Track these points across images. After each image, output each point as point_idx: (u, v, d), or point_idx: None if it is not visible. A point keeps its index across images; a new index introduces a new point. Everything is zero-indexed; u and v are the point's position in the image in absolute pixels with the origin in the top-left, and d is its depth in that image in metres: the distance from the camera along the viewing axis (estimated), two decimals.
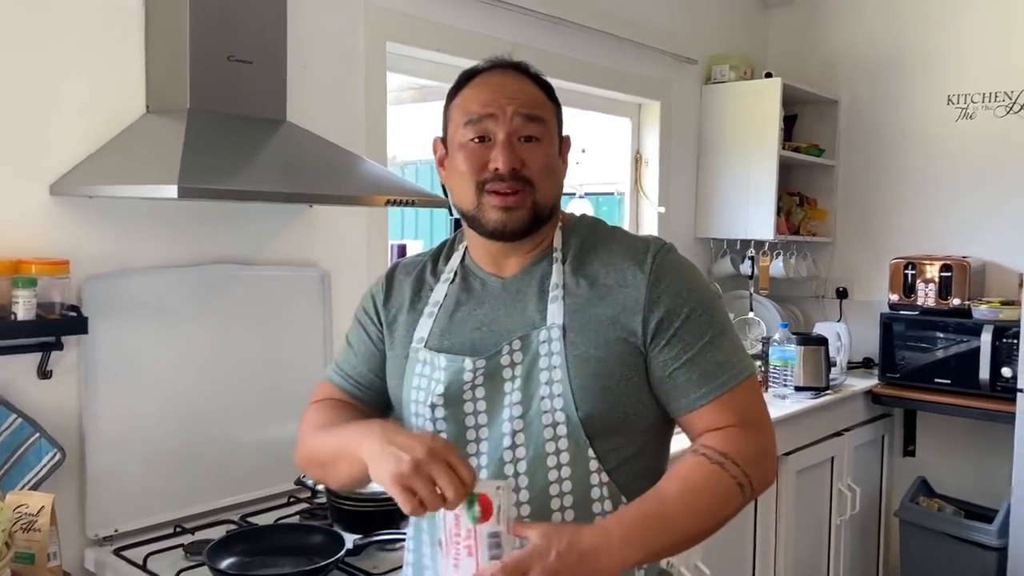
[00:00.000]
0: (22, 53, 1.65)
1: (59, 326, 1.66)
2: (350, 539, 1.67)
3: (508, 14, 2.60)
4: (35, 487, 1.63)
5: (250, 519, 1.90)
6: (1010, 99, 3.33)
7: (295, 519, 1.90)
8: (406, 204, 1.77)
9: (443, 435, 1.16)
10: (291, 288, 2.10)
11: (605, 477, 1.13)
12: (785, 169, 3.57)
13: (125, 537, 1.77)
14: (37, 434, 1.65)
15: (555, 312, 1.15)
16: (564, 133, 1.25)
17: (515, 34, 2.63)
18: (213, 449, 1.94)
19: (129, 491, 1.79)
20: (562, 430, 1.12)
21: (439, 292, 1.26)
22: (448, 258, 1.30)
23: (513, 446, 1.13)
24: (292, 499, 2.00)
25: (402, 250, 2.44)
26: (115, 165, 1.67)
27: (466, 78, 1.20)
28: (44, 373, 1.68)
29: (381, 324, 1.30)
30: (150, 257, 1.85)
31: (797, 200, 3.74)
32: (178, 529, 1.82)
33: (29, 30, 1.65)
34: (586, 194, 3.16)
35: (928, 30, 3.51)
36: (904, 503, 3.26)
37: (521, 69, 1.21)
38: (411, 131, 2.95)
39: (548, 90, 1.22)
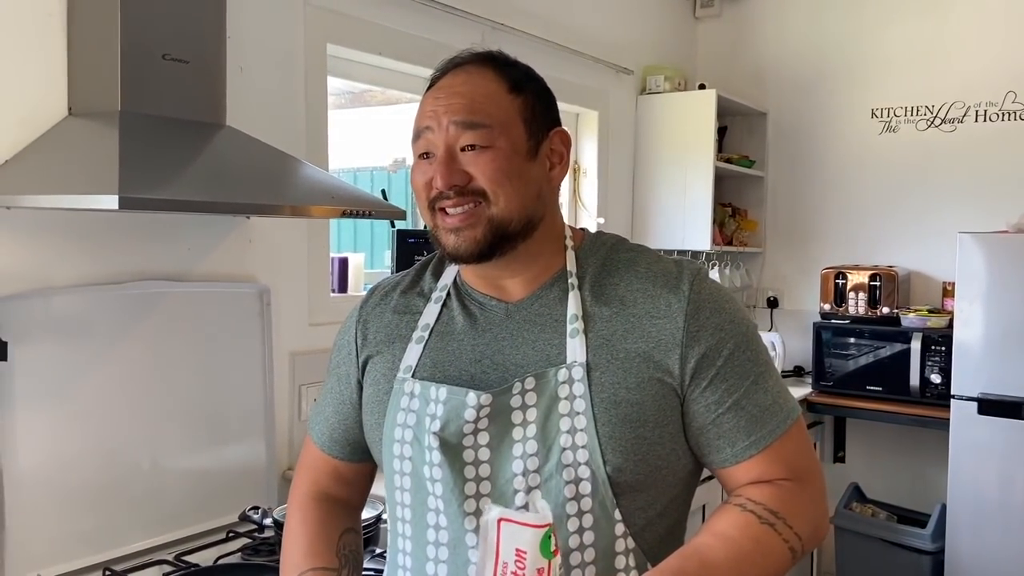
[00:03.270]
0: None
1: None
2: None
3: (451, 18, 2.52)
4: None
5: (186, 558, 1.75)
6: (931, 113, 3.44)
7: (237, 557, 1.76)
8: (362, 216, 1.65)
9: (438, 484, 0.99)
10: (227, 305, 1.95)
11: (631, 543, 0.99)
12: (717, 180, 3.59)
13: None
14: None
15: (576, 347, 0.99)
16: (555, 128, 1.06)
17: (457, 39, 2.55)
18: (144, 483, 1.78)
19: (52, 532, 1.63)
20: (586, 487, 0.97)
21: (430, 314, 1.08)
22: (438, 275, 1.12)
23: (526, 506, 0.95)
24: (231, 535, 1.85)
25: (343, 264, 2.32)
26: (38, 173, 1.51)
27: (428, 85, 1.05)
28: None
29: (359, 367, 1.12)
30: (74, 274, 1.68)
31: (729, 211, 3.77)
32: (107, 572, 1.66)
33: None
34: None
35: (853, 46, 3.59)
36: (839, 510, 3.30)
37: (480, 61, 1.04)
38: (345, 137, 2.82)
39: (517, 81, 1.03)
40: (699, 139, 3.41)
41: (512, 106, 1.01)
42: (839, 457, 3.64)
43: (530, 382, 0.99)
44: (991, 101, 3.31)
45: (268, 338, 2.02)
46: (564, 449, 0.96)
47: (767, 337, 3.50)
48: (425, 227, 1.15)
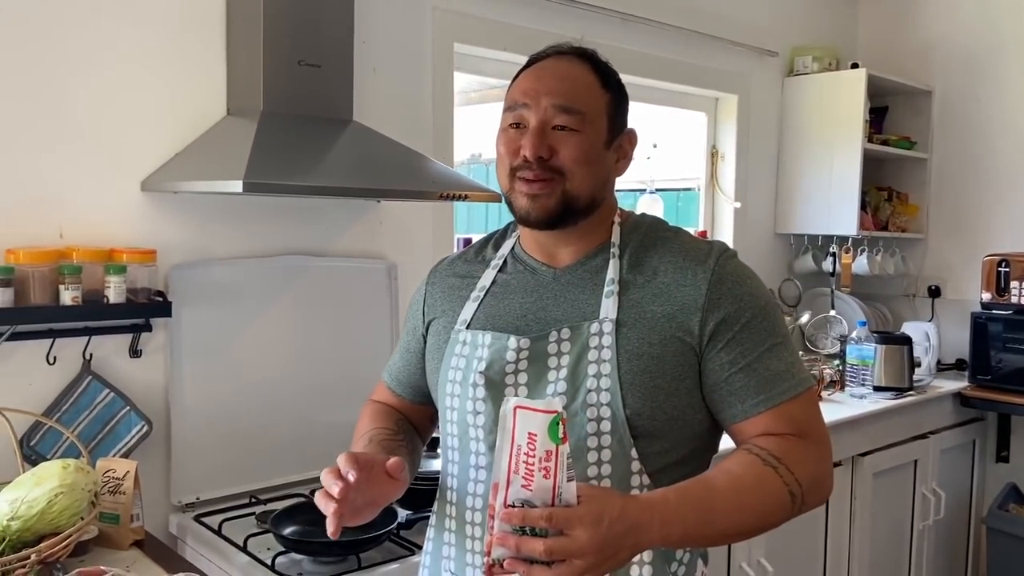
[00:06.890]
0: (119, 63, 1.82)
1: (147, 309, 1.82)
2: (403, 514, 1.76)
3: (576, 11, 2.64)
4: (125, 456, 1.80)
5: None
6: None
7: None
8: (457, 198, 1.85)
9: (480, 416, 1.16)
10: (360, 279, 2.21)
11: (646, 479, 1.11)
12: (875, 163, 3.47)
13: (205, 505, 1.93)
14: (127, 408, 1.83)
15: (609, 306, 1.13)
16: (628, 127, 1.22)
17: (584, 30, 2.68)
18: (287, 428, 2.07)
19: (210, 463, 1.95)
20: (606, 426, 1.10)
21: (486, 278, 1.25)
22: (498, 246, 1.29)
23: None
24: None
25: (467, 243, 2.52)
26: (196, 163, 1.82)
27: (526, 65, 1.20)
28: (134, 352, 1.86)
29: (424, 323, 1.31)
30: (229, 248, 2.00)
31: (886, 195, 3.63)
32: (253, 499, 1.96)
33: (124, 42, 1.82)
34: (657, 189, 3.16)
35: None
36: (992, 510, 3.13)
37: (580, 55, 1.19)
38: (478, 131, 2.99)
39: (607, 78, 1.18)
40: (848, 120, 3.32)
41: (602, 100, 1.17)
42: (1002, 456, 3.43)
43: (565, 332, 1.14)
44: None
45: (395, 309, 2.27)
46: (589, 391, 1.11)
47: (922, 327, 3.36)
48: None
